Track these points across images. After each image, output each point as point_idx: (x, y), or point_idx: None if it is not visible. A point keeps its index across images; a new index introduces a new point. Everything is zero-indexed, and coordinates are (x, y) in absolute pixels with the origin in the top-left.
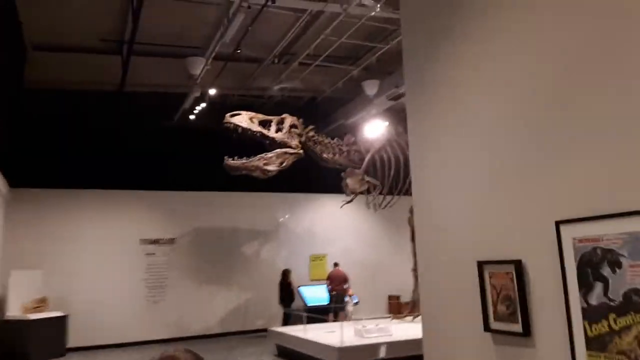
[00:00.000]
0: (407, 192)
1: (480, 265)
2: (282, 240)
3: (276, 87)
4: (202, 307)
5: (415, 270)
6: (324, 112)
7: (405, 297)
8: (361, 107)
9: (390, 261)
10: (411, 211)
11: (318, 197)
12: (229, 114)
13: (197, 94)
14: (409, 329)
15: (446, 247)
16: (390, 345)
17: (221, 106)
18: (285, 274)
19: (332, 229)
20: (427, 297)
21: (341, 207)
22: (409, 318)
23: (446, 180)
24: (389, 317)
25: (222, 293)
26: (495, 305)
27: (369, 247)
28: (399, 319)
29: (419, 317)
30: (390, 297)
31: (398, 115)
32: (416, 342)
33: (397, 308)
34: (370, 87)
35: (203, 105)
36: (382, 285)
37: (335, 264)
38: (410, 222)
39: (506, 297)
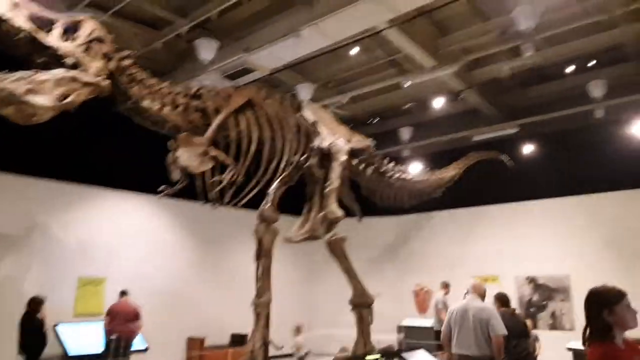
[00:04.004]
0: (268, 184)
1: None
2: (36, 253)
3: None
4: None
5: (259, 304)
6: None
7: (214, 339)
8: (191, 75)
9: (195, 289)
10: (262, 218)
11: (99, 193)
12: None
13: None
14: None
15: None
16: None
17: None
18: (34, 305)
19: (116, 241)
20: None
21: (159, 196)
22: None
23: None
24: None
25: None
26: None
27: (166, 269)
28: None
29: None
30: (190, 340)
31: None
32: None
33: (199, 356)
34: (206, 49)
35: None
36: (179, 322)
37: (123, 293)
38: (259, 232)
39: None
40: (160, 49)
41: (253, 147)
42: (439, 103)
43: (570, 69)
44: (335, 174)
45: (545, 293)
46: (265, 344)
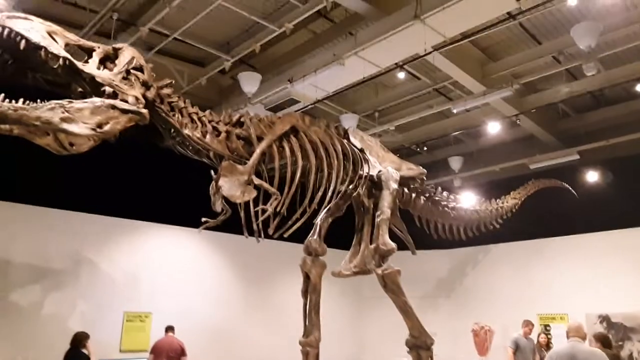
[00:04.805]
0: (314, 214)
1: None
2: (82, 288)
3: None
4: None
5: (307, 343)
6: None
7: None
8: (235, 109)
9: (242, 324)
10: (308, 251)
11: (146, 227)
12: (4, 13)
13: None
14: None
15: None
16: None
17: None
18: (79, 340)
19: (163, 274)
20: None
21: (200, 229)
22: None
23: None
24: None
25: None
26: None
27: (212, 304)
28: None
29: None
30: None
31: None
32: None
33: None
34: (249, 82)
35: None
36: (226, 359)
37: (169, 329)
38: (306, 266)
39: None
40: (205, 85)
41: (298, 176)
42: (492, 129)
43: (633, 90)
44: (385, 203)
45: (620, 333)
46: None
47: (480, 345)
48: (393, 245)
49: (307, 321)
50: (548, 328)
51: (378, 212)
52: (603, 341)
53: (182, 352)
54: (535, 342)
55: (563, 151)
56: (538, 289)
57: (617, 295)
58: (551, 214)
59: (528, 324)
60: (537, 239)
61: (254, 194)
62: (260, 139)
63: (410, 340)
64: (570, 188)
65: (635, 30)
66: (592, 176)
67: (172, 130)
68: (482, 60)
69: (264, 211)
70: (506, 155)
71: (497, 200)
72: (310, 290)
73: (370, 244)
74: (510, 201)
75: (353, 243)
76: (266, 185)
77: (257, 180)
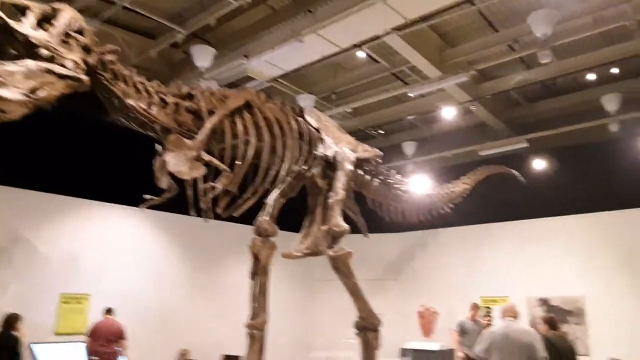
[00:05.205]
0: (266, 194)
1: None
2: (16, 267)
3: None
4: None
5: (253, 326)
6: None
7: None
8: (187, 84)
9: (186, 307)
10: (259, 231)
11: (86, 205)
12: None
13: None
14: None
15: None
16: None
17: None
18: (10, 321)
19: (103, 255)
20: None
21: (143, 207)
22: None
23: None
24: None
25: None
26: None
27: (154, 286)
28: None
29: None
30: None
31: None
32: None
33: None
34: (202, 56)
35: None
36: (168, 342)
37: (108, 311)
38: (255, 247)
39: None
40: (156, 58)
41: (250, 153)
42: (446, 115)
43: (583, 81)
44: (340, 185)
45: (558, 316)
46: None
47: (426, 326)
48: (346, 226)
49: (254, 303)
50: (489, 310)
51: (332, 193)
52: (550, 323)
53: (121, 335)
54: None
55: (513, 139)
56: (482, 273)
57: (556, 280)
58: (498, 199)
59: (475, 307)
60: (483, 223)
61: (203, 170)
62: (211, 113)
63: (359, 322)
64: (518, 175)
65: (588, 21)
66: (539, 164)
67: (115, 99)
68: (440, 46)
69: (213, 189)
70: (459, 141)
71: (449, 185)
72: (259, 271)
73: (323, 225)
74: (461, 186)
75: (305, 224)
76: (216, 161)
77: (206, 156)
